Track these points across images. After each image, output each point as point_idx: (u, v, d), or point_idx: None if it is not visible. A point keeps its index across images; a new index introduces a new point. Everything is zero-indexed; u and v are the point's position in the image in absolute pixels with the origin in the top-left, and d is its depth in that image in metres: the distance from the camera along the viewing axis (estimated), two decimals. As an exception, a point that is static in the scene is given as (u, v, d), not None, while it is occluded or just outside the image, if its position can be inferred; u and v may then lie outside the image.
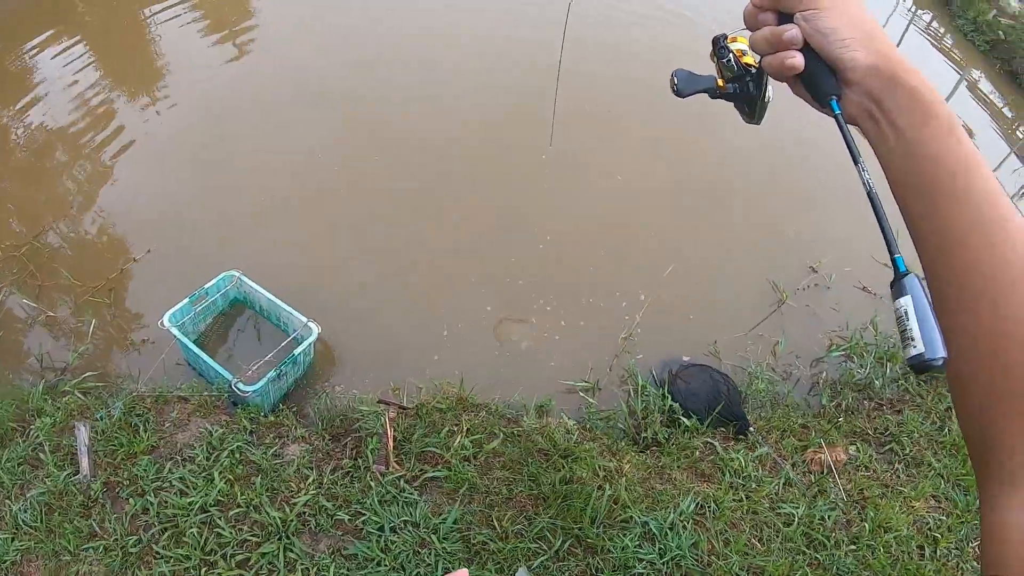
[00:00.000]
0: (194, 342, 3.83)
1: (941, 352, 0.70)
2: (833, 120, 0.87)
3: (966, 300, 0.74)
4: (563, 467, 3.37)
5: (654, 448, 3.78)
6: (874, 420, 4.08)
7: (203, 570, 2.89)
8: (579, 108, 6.04)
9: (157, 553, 2.94)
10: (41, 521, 3.04)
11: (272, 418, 3.66)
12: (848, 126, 0.85)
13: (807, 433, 3.92)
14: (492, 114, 6.03)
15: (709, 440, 3.76)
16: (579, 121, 5.94)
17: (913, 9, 9.74)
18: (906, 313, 0.73)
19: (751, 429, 3.85)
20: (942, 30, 9.36)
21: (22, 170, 5.35)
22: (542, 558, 2.99)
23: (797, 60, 0.84)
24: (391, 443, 3.32)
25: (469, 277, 4.65)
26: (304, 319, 3.91)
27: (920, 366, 0.72)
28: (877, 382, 4.24)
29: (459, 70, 6.48)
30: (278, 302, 4.02)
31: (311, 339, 3.84)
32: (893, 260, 0.78)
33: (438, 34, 6.98)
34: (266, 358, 3.81)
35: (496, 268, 4.72)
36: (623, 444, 3.73)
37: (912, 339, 0.72)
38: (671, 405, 3.94)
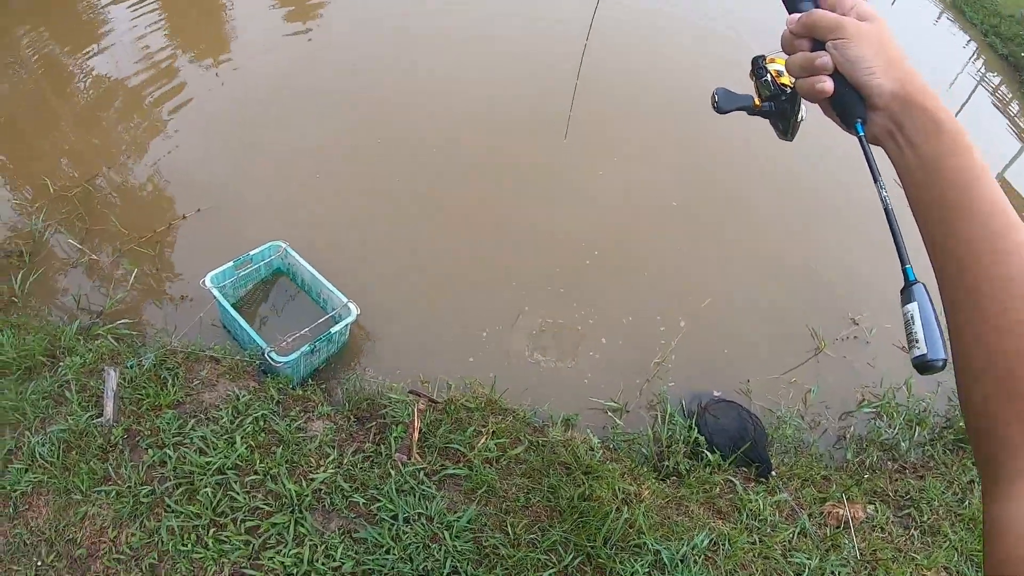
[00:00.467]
0: (232, 306, 3.84)
1: (942, 354, 0.78)
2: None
3: (975, 303, 0.77)
4: (583, 483, 3.32)
5: (674, 478, 3.72)
6: (896, 482, 3.99)
7: (212, 530, 2.87)
8: (633, 132, 6.03)
9: (168, 506, 2.93)
10: (57, 457, 3.05)
11: (300, 392, 3.65)
12: (872, 147, 0.93)
13: (828, 485, 3.84)
14: (558, 128, 6.02)
15: (730, 478, 3.70)
16: (637, 146, 5.93)
17: (983, 71, 9.64)
18: (912, 318, 0.82)
19: (773, 473, 3.79)
20: (1010, 95, 9.24)
21: (82, 115, 5.42)
22: (551, 571, 2.93)
23: (827, 84, 0.91)
24: (416, 434, 3.29)
25: (512, 282, 4.63)
26: (344, 299, 3.90)
27: (923, 366, 0.79)
28: (903, 444, 4.16)
29: (520, 78, 6.48)
30: (321, 278, 4.01)
31: (349, 319, 3.83)
32: (904, 270, 0.86)
33: (509, 35, 7.00)
34: (302, 332, 3.81)
35: (541, 277, 4.70)
36: (644, 469, 3.67)
37: (917, 341, 0.80)
38: (697, 437, 3.88)
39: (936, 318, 0.81)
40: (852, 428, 4.29)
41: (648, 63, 7.03)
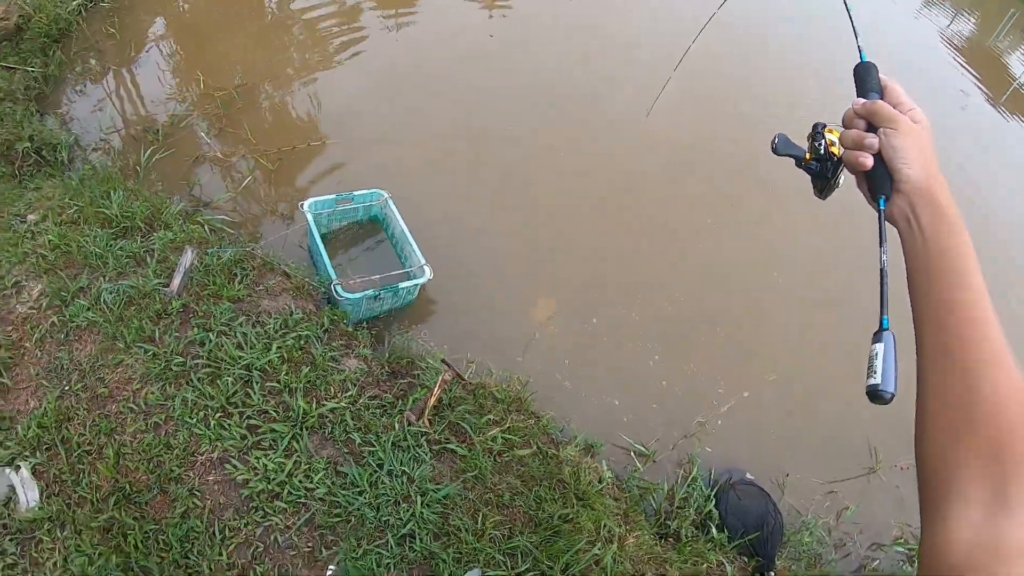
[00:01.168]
0: (321, 236, 4.06)
1: (891, 388, 0.92)
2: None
3: (943, 357, 0.92)
4: (571, 506, 3.30)
5: (671, 539, 3.62)
6: (900, 633, 3.73)
7: (218, 415, 3.08)
8: (764, 204, 5.89)
9: (191, 381, 3.16)
10: (118, 307, 3.35)
11: (350, 329, 3.81)
12: (886, 223, 1.09)
13: (824, 608, 3.63)
14: (687, 171, 5.98)
15: (725, 561, 3.56)
16: (765, 216, 5.80)
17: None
18: (877, 355, 0.96)
19: (771, 574, 3.61)
20: None
21: (260, 32, 5.87)
22: (500, 572, 2.94)
23: (869, 160, 1.07)
24: (433, 400, 3.37)
25: (589, 297, 4.67)
26: (423, 261, 4.05)
27: (874, 393, 0.93)
28: (926, 599, 3.84)
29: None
30: (409, 236, 4.18)
31: (420, 280, 3.98)
32: (881, 318, 1.01)
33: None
34: (372, 277, 3.98)
35: (621, 303, 4.70)
36: (643, 519, 3.59)
37: (875, 372, 0.94)
38: (712, 510, 3.76)
39: (895, 362, 0.95)
40: (877, 562, 4.02)
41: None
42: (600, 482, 3.59)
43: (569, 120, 6.01)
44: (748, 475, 4.10)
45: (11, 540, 2.75)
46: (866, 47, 1.24)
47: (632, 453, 4.02)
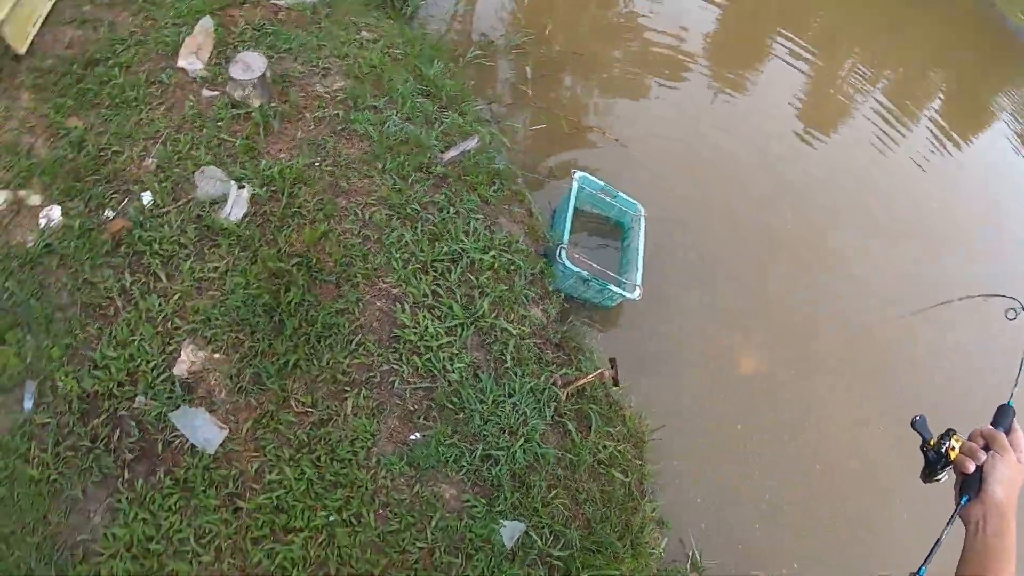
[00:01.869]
0: (574, 207, 4.38)
1: None
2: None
3: None
4: (624, 544, 3.32)
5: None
6: None
7: (417, 266, 3.42)
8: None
9: (415, 227, 3.55)
10: (395, 138, 3.81)
11: (550, 289, 4.01)
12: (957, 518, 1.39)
13: None
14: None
15: None
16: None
17: None
18: None
19: None
20: None
21: (606, 21, 6.40)
22: (538, 540, 3.04)
23: (971, 468, 1.38)
24: (583, 381, 3.51)
25: (746, 402, 4.65)
26: (638, 282, 4.24)
27: None
28: None
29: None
30: (641, 256, 4.40)
31: (625, 295, 4.18)
32: (920, 568, 1.33)
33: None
34: (592, 264, 4.18)
35: (774, 437, 4.63)
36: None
37: None
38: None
39: None
40: None
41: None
42: (652, 550, 3.58)
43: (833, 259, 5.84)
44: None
45: (195, 230, 3.15)
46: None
47: (688, 556, 3.96)
